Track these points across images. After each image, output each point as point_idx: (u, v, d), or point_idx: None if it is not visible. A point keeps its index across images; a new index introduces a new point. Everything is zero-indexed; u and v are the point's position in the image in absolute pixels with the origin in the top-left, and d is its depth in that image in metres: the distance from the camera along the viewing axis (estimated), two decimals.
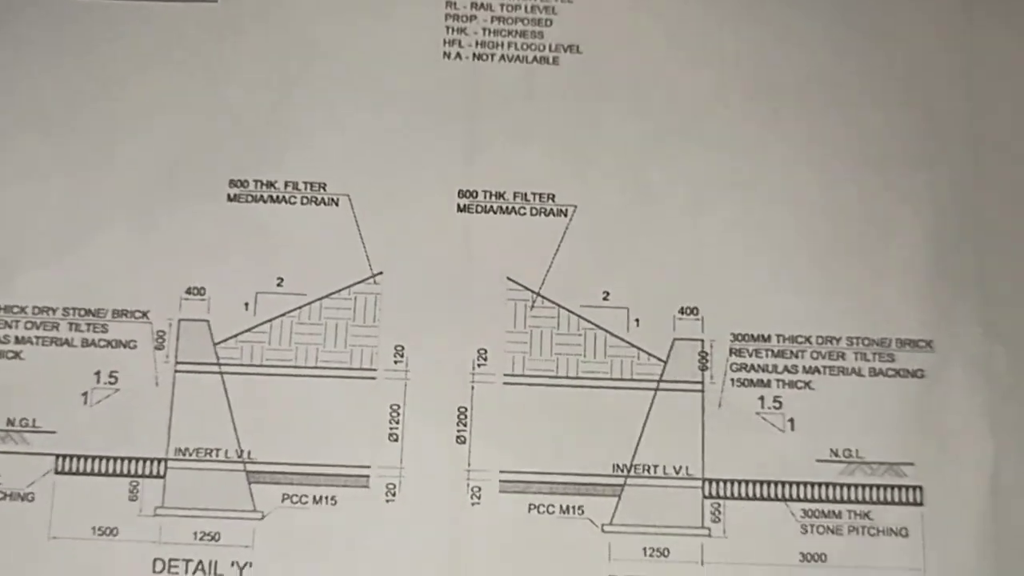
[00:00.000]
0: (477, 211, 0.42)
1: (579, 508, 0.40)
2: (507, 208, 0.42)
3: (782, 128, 0.43)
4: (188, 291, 0.41)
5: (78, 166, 0.42)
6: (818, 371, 0.41)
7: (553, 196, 0.42)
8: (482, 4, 0.44)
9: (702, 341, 0.41)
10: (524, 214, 0.42)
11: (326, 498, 0.40)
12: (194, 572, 0.40)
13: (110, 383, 0.41)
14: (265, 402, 0.41)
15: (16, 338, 0.41)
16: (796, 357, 0.41)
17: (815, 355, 0.41)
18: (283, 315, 0.42)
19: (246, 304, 0.41)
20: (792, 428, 0.41)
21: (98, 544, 0.40)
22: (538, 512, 0.40)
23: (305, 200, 0.42)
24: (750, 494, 0.41)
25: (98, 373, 0.41)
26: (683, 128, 0.43)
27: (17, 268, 0.41)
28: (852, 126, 0.43)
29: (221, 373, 0.41)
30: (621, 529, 0.40)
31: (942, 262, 0.42)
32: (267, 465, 0.40)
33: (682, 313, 0.42)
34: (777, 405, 0.41)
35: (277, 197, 0.42)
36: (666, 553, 0.40)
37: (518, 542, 0.40)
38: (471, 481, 0.41)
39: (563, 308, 0.42)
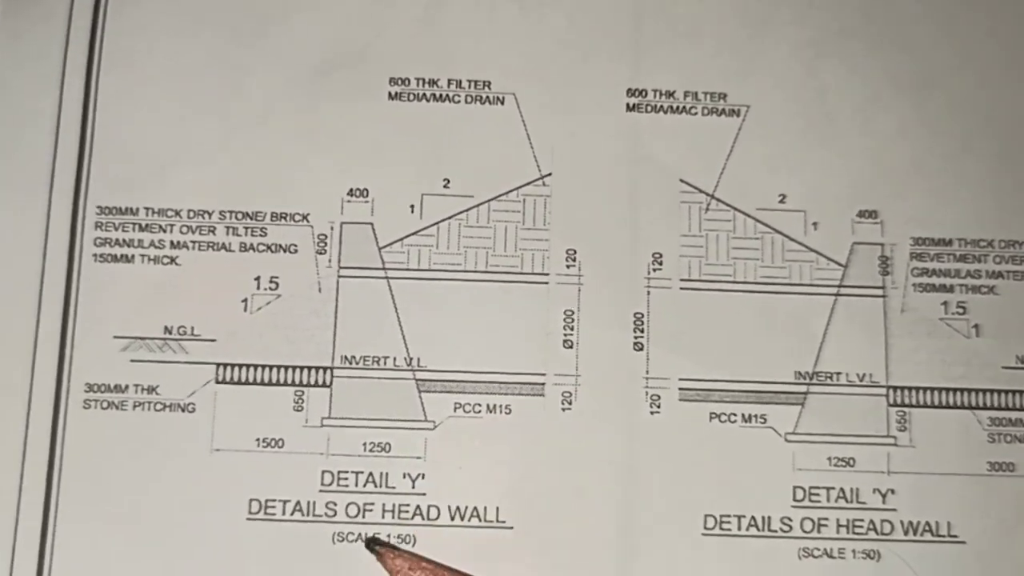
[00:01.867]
0: (647, 111, 0.40)
1: (761, 417, 0.38)
2: (678, 107, 0.40)
3: (957, 26, 0.41)
4: (350, 193, 0.39)
5: (232, 64, 0.40)
6: (1001, 276, 0.39)
7: (725, 96, 0.40)
8: None
9: (882, 245, 0.39)
10: (696, 114, 0.40)
11: (500, 407, 0.38)
12: (364, 484, 0.37)
13: (271, 289, 0.38)
14: (434, 308, 0.39)
15: (172, 243, 0.39)
16: (979, 261, 0.39)
17: (998, 259, 0.39)
18: (450, 218, 0.39)
19: (411, 206, 0.39)
20: (977, 334, 0.39)
21: (263, 456, 0.38)
22: (719, 421, 0.38)
23: (470, 99, 0.40)
24: (936, 402, 0.39)
25: (258, 279, 0.39)
26: (856, 27, 0.41)
27: (171, 170, 0.39)
28: None
29: (387, 278, 0.38)
30: (805, 438, 0.38)
31: None
32: (437, 373, 0.38)
33: (861, 216, 0.39)
34: (961, 311, 0.39)
35: (440, 96, 0.40)
36: (851, 463, 0.38)
37: (699, 452, 0.38)
38: (649, 389, 0.38)
39: (739, 211, 0.39)
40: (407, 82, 0.40)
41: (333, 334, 0.38)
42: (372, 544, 0.37)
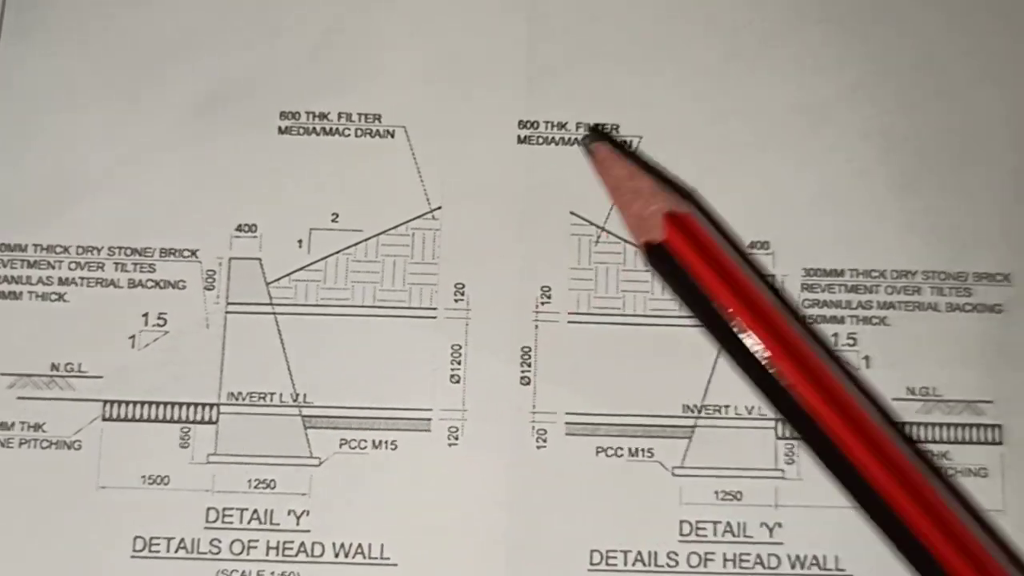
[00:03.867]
0: (538, 142, 0.39)
1: (648, 450, 0.37)
2: (569, 139, 0.39)
3: (856, 52, 0.40)
4: (239, 228, 0.38)
5: (119, 99, 0.39)
6: (893, 306, 0.39)
7: (618, 127, 0.39)
8: None
9: (773, 276, 0.38)
10: None
11: (386, 442, 0.38)
12: (249, 521, 0.37)
13: (158, 325, 0.38)
14: (321, 343, 0.38)
15: (60, 279, 0.38)
16: (871, 292, 0.38)
17: (890, 290, 0.38)
18: (339, 252, 0.39)
19: (300, 241, 0.38)
20: (867, 365, 0.38)
21: (148, 493, 0.37)
22: (606, 455, 0.38)
23: (360, 132, 0.39)
24: None
25: (146, 315, 0.38)
26: (754, 53, 0.39)
27: (58, 206, 0.38)
28: (928, 50, 0.40)
29: (275, 314, 0.38)
30: (692, 472, 0.38)
31: (1021, 193, 0.38)
32: (324, 409, 0.38)
33: (752, 247, 0.38)
34: (852, 342, 0.38)
35: (330, 129, 0.39)
36: (739, 496, 0.38)
37: (585, 487, 0.38)
38: (536, 424, 0.38)
39: (629, 243, 0.38)
40: (297, 116, 0.39)
41: (220, 370, 0.37)
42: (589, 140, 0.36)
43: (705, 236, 0.36)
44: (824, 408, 0.35)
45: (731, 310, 0.35)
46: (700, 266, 0.35)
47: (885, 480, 0.34)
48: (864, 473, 0.34)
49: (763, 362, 0.35)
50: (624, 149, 0.38)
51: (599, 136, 0.38)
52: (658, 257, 0.36)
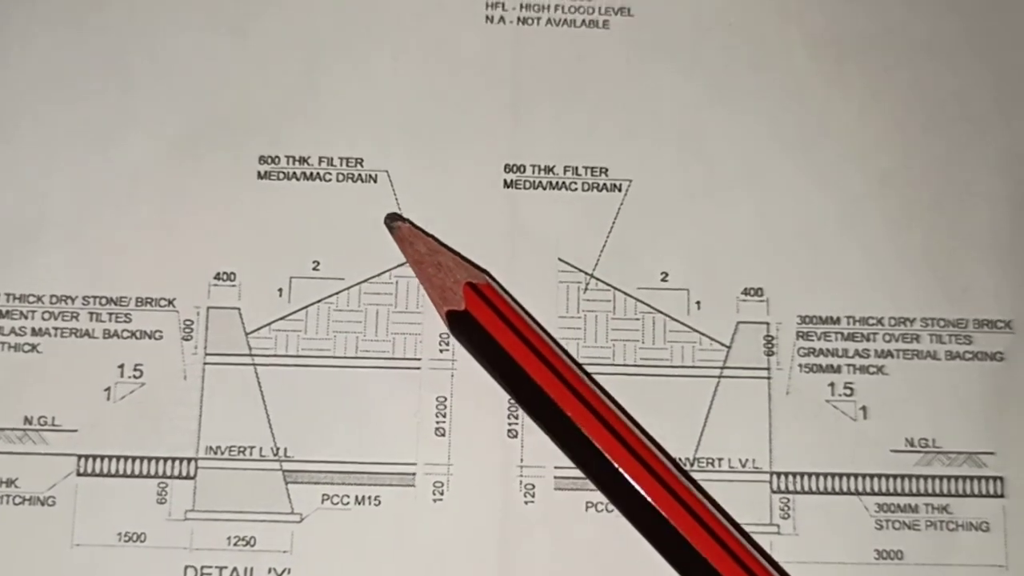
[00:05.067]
0: (525, 187, 0.38)
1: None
2: (557, 183, 0.38)
3: (847, 88, 0.39)
4: (217, 277, 0.37)
5: (94, 143, 0.38)
6: (891, 355, 0.37)
7: (606, 170, 0.38)
8: None
9: (767, 324, 0.37)
10: (575, 189, 0.38)
11: (369, 498, 0.37)
12: None
13: (135, 377, 0.36)
14: (302, 396, 0.37)
15: (33, 330, 0.37)
16: (868, 340, 0.37)
17: (888, 338, 0.37)
18: (320, 301, 0.38)
19: (280, 290, 0.37)
20: (865, 416, 0.37)
21: (125, 551, 0.36)
22: (595, 510, 0.36)
23: (341, 177, 0.38)
24: (821, 487, 0.37)
25: (122, 366, 0.37)
26: (740, 91, 0.38)
27: (31, 254, 0.37)
28: (922, 87, 0.39)
29: (254, 365, 0.37)
30: None
31: (1021, 238, 0.37)
32: (305, 464, 0.37)
33: (746, 294, 0.37)
34: (848, 392, 0.37)
35: (311, 174, 0.38)
36: None
37: (575, 542, 0.37)
38: (524, 478, 0.37)
39: (619, 290, 0.38)
40: (277, 160, 0.38)
41: (198, 424, 0.36)
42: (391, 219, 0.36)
43: (503, 302, 0.36)
44: (625, 459, 0.35)
45: (528, 369, 0.35)
46: (498, 329, 0.35)
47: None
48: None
49: (562, 415, 0.35)
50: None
51: (399, 217, 0.37)
52: (460, 325, 0.36)
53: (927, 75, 0.39)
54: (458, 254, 0.37)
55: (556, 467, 0.36)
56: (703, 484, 0.37)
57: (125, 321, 0.37)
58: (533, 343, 0.35)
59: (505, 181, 0.38)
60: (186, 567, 0.36)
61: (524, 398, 0.35)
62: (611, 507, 0.36)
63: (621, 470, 0.34)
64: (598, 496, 0.36)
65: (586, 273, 0.37)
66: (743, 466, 0.37)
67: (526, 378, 0.35)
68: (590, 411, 0.35)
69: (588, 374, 0.37)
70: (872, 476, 0.37)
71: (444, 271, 0.36)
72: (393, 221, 0.37)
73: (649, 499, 0.34)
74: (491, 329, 0.35)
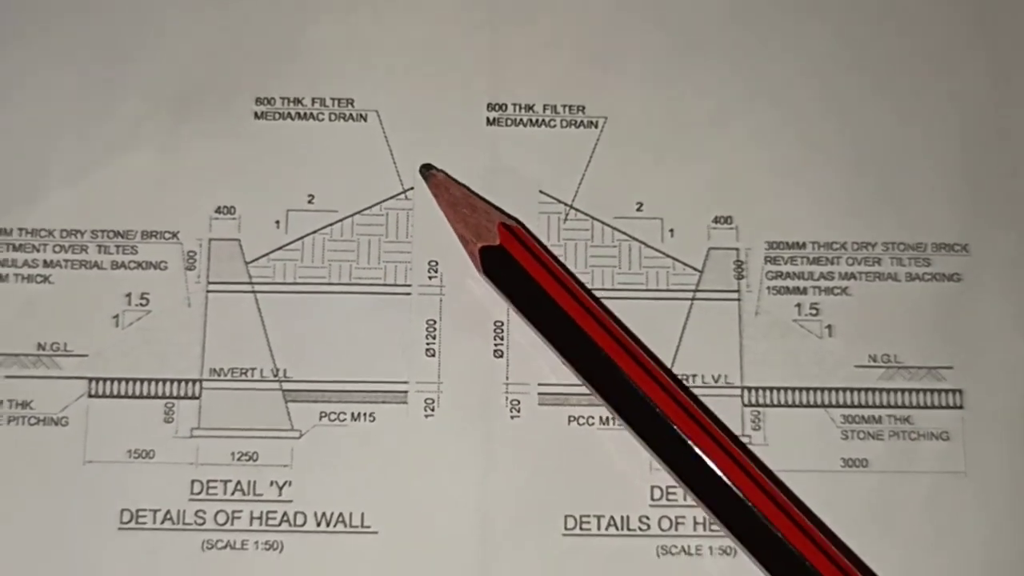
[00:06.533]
0: (507, 124, 0.40)
1: (618, 420, 0.38)
2: (537, 120, 0.40)
3: (806, 40, 0.41)
4: (218, 210, 0.39)
5: (100, 88, 0.40)
6: (854, 277, 0.40)
7: (583, 108, 0.40)
8: None
9: (737, 250, 0.40)
10: (555, 126, 0.40)
11: (364, 415, 0.38)
12: (232, 492, 0.38)
13: (141, 305, 0.39)
14: (299, 321, 0.39)
15: (44, 262, 0.39)
16: (832, 264, 0.39)
17: (851, 261, 0.40)
18: (315, 232, 0.39)
19: (277, 222, 0.39)
20: (830, 334, 0.39)
21: (134, 467, 0.38)
22: (577, 424, 0.38)
23: (333, 116, 0.40)
24: (789, 401, 0.39)
25: (129, 295, 0.39)
26: (709, 39, 0.41)
27: (42, 191, 0.39)
28: (874, 36, 0.42)
29: (254, 292, 0.39)
30: None
31: (974, 165, 0.40)
32: (303, 383, 0.38)
33: (716, 222, 0.39)
34: (814, 312, 0.39)
35: (305, 114, 0.40)
36: None
37: (558, 455, 0.38)
38: (509, 395, 0.39)
39: (596, 220, 0.40)
40: (272, 101, 0.40)
41: (202, 348, 0.38)
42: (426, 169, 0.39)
43: (533, 243, 0.38)
44: (649, 386, 0.37)
45: (560, 302, 0.37)
46: (531, 264, 0.37)
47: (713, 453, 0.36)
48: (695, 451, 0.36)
49: (594, 349, 0.37)
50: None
51: (433, 167, 0.40)
52: (493, 260, 0.38)
53: (888, 24, 0.42)
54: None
55: (540, 384, 0.39)
56: None
57: (131, 253, 0.39)
58: (561, 279, 0.37)
59: (488, 119, 0.40)
60: (192, 481, 0.38)
61: (553, 331, 0.37)
62: (592, 420, 0.38)
63: (642, 391, 0.36)
64: (579, 411, 0.39)
65: (566, 204, 0.40)
66: (716, 381, 0.39)
67: (556, 309, 0.37)
68: (613, 339, 0.37)
69: (612, 314, 0.39)
70: (838, 390, 0.39)
71: (479, 212, 0.38)
72: (428, 170, 0.39)
73: (678, 428, 0.36)
74: (523, 262, 0.37)
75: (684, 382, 0.39)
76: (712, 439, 0.36)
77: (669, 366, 0.39)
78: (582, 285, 0.38)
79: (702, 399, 0.39)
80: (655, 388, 0.36)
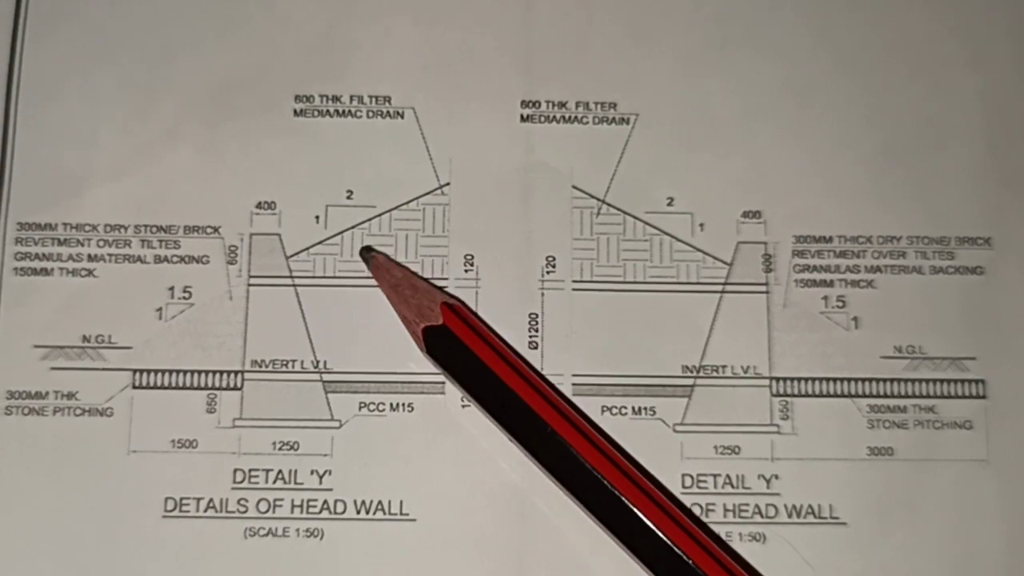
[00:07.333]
0: (540, 120, 0.41)
1: (651, 409, 0.39)
2: (570, 117, 0.41)
3: (834, 35, 0.42)
4: (258, 205, 0.40)
5: (142, 86, 0.41)
6: (880, 270, 0.40)
7: (615, 104, 0.41)
8: None
9: (765, 244, 0.40)
10: (587, 123, 0.41)
11: (403, 405, 0.39)
12: (274, 481, 0.38)
13: (184, 298, 0.39)
14: (339, 313, 0.40)
15: (89, 256, 0.40)
16: (858, 257, 0.40)
17: (876, 254, 0.40)
18: (354, 227, 0.40)
19: (317, 217, 0.40)
20: (856, 326, 0.40)
21: (178, 456, 0.39)
22: (611, 414, 0.39)
23: (371, 114, 0.41)
24: (817, 391, 0.40)
25: (172, 289, 0.40)
26: (737, 36, 0.42)
27: (87, 187, 0.40)
28: (904, 32, 0.42)
29: (294, 286, 0.39)
30: (692, 428, 0.39)
31: (998, 160, 0.41)
32: (343, 375, 0.39)
33: (745, 217, 0.40)
34: (841, 304, 0.40)
35: (343, 111, 0.41)
36: (737, 450, 0.39)
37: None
38: None
39: (628, 215, 0.40)
40: (311, 99, 0.41)
41: (244, 340, 0.39)
42: (366, 251, 0.39)
43: (476, 321, 0.38)
44: (598, 460, 0.37)
45: (505, 379, 0.37)
46: (475, 342, 0.38)
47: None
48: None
49: (540, 424, 0.37)
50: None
51: (372, 249, 0.40)
52: (437, 340, 0.38)
53: (917, 19, 0.42)
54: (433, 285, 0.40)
55: (574, 375, 0.39)
56: (709, 390, 0.39)
57: (174, 247, 0.40)
58: (505, 355, 0.38)
59: (522, 116, 0.41)
60: (235, 470, 0.39)
61: (498, 407, 0.38)
62: (625, 410, 0.39)
63: (597, 472, 0.37)
64: (613, 400, 0.39)
65: (598, 199, 0.40)
66: (745, 372, 0.40)
67: (502, 387, 0.37)
68: (563, 417, 0.37)
69: (555, 387, 0.39)
70: (864, 380, 0.40)
71: (421, 293, 0.38)
72: (369, 252, 0.40)
73: (626, 500, 0.37)
74: (467, 341, 0.38)
75: (702, 373, 0.40)
76: (662, 511, 0.36)
77: (700, 358, 0.39)
78: (525, 361, 0.39)
79: (731, 388, 0.39)
80: (604, 462, 0.37)
